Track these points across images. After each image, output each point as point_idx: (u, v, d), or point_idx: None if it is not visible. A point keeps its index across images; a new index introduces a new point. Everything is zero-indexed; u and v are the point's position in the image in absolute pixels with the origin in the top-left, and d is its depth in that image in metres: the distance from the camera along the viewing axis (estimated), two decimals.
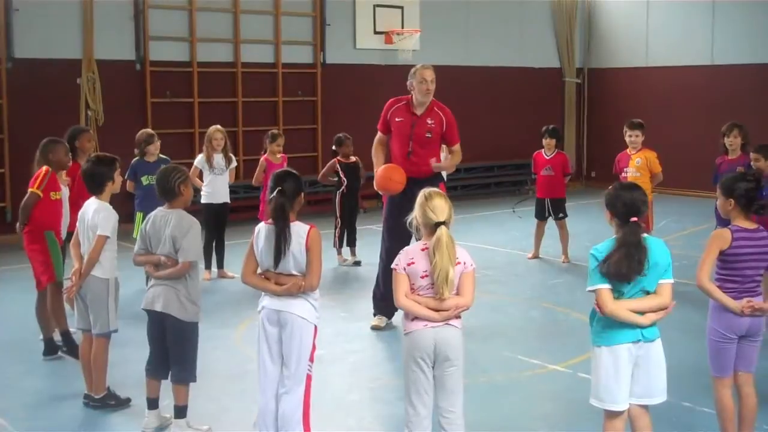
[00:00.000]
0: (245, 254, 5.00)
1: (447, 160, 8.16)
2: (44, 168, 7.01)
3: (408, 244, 7.57)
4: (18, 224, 7.06)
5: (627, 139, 9.93)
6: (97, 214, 5.92)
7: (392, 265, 4.67)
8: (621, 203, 4.48)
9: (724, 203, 5.02)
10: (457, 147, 8.01)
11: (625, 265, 4.34)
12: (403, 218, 7.55)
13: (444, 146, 8.21)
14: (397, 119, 7.83)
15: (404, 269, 4.61)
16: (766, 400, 5.69)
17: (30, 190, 6.96)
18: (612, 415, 4.53)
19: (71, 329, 7.13)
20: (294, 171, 5.07)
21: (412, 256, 4.62)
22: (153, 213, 5.60)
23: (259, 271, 4.98)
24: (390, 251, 7.81)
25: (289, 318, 4.88)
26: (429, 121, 7.78)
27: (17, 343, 7.19)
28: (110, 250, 5.97)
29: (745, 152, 8.70)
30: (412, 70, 7.80)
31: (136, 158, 9.59)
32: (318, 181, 11.62)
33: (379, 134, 8.04)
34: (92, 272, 5.92)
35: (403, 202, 7.45)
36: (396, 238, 7.72)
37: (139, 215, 9.10)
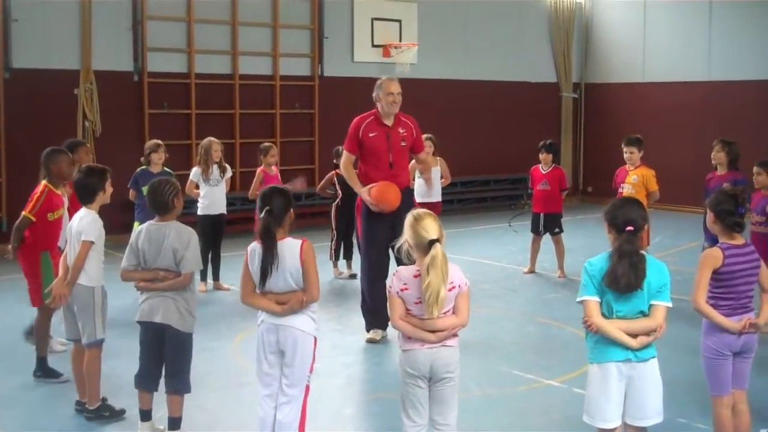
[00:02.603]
0: (241, 275, 4.98)
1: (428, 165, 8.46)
2: (42, 186, 6.69)
3: (385, 252, 7.65)
4: (10, 246, 6.72)
5: (624, 155, 9.96)
6: (82, 220, 5.85)
7: (387, 287, 4.65)
8: (618, 214, 4.50)
9: (712, 219, 5.06)
10: (423, 155, 8.41)
11: (620, 273, 4.33)
12: (377, 226, 7.68)
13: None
14: (370, 134, 7.89)
15: (398, 293, 4.58)
16: (758, 416, 5.71)
17: (23, 213, 6.64)
18: None
19: (62, 339, 7.09)
20: (282, 187, 5.06)
21: (405, 282, 4.56)
22: (144, 227, 5.51)
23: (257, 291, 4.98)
24: (369, 260, 7.87)
25: (289, 332, 4.89)
26: (401, 131, 7.98)
27: (11, 352, 7.17)
28: (96, 258, 5.90)
29: (734, 169, 8.76)
30: (378, 82, 7.98)
31: (141, 168, 9.64)
32: (316, 193, 11.63)
33: (347, 155, 8.01)
34: (78, 281, 5.84)
35: (377, 213, 7.62)
36: (372, 247, 7.82)
37: (136, 225, 9.07)
